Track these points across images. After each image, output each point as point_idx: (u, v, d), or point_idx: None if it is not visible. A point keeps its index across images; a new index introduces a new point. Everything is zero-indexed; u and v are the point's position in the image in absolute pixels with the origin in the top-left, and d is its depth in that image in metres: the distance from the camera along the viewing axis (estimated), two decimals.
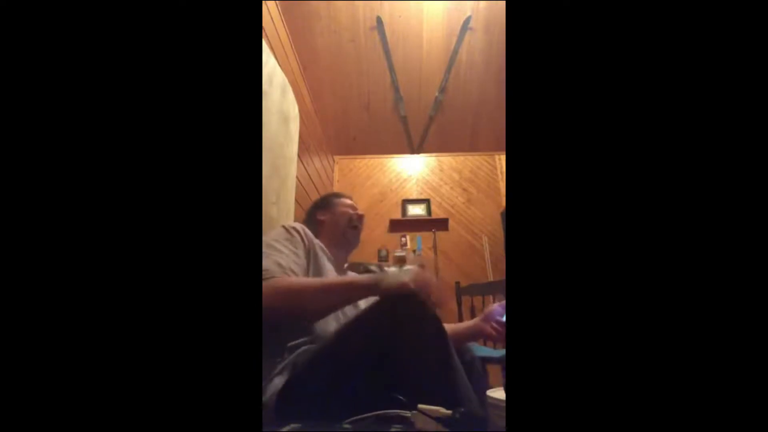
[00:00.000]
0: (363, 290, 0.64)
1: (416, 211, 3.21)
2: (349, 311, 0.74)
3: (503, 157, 3.38)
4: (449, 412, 0.38)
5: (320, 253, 0.82)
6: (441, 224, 3.12)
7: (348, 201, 1.04)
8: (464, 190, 3.29)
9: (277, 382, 0.58)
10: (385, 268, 0.68)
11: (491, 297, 1.53)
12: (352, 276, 0.69)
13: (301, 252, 0.76)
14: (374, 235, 3.15)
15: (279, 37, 1.96)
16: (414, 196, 3.28)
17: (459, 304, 1.74)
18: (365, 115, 2.95)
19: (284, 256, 0.71)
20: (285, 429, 0.43)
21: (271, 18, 1.80)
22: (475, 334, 0.86)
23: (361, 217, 1.01)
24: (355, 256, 3.04)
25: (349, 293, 0.65)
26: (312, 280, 0.71)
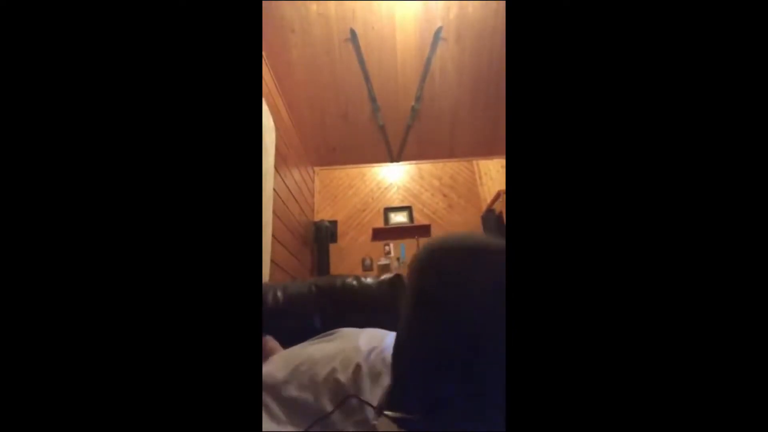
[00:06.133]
0: None
1: (398, 218, 3.23)
2: None
3: (481, 163, 3.44)
4: (411, 416, 0.38)
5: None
6: (423, 231, 3.14)
7: None
8: (444, 196, 3.33)
9: None
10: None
11: None
12: None
13: None
14: (357, 244, 3.14)
15: None
16: (396, 204, 3.30)
17: None
18: (344, 126, 2.97)
19: None
20: None
21: None
22: None
23: None
24: (339, 266, 3.03)
25: None
26: None
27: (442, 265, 0.36)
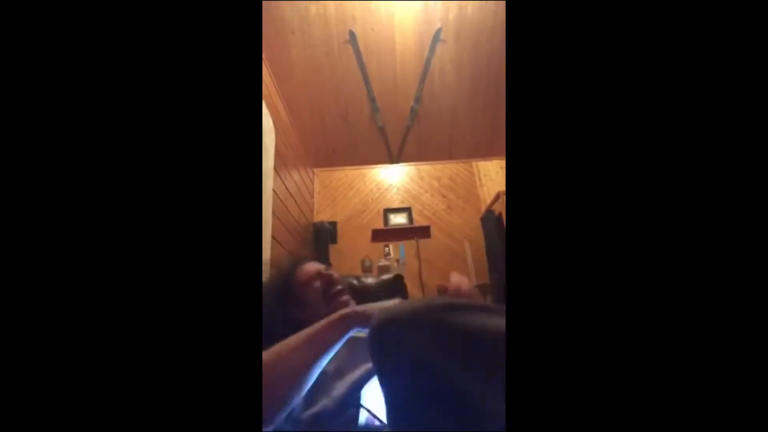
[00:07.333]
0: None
1: (398, 219, 3.23)
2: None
3: (481, 164, 3.44)
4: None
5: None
6: (423, 232, 3.14)
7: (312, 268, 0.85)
8: (444, 197, 3.33)
9: None
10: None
11: None
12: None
13: None
14: (357, 245, 3.14)
15: None
16: (395, 205, 3.29)
17: None
18: (343, 127, 2.97)
19: None
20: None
21: None
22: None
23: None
24: (339, 267, 3.03)
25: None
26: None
27: (383, 338, 0.38)
